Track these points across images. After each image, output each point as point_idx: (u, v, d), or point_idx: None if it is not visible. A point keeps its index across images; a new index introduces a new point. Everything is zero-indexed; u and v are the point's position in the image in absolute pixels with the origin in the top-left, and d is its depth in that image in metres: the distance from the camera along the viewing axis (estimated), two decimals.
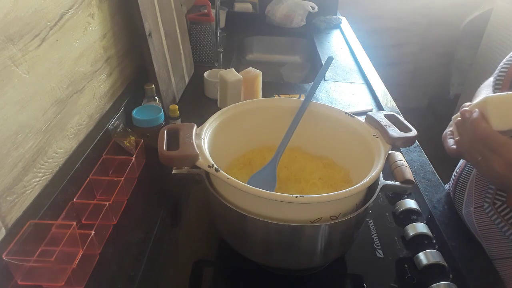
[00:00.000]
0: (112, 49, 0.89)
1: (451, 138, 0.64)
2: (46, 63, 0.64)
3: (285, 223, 0.51)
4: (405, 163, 0.60)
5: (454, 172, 0.77)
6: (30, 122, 0.61)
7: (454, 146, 0.62)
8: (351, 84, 1.30)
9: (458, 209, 0.73)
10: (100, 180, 0.73)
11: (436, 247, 0.66)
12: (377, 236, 0.70)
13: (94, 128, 0.82)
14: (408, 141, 0.60)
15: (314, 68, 1.62)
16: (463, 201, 0.71)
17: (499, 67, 0.66)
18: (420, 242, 0.67)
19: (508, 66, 0.64)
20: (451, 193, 0.77)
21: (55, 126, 0.68)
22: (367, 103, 1.18)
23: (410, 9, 2.37)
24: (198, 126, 0.61)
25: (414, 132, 0.61)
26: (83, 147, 0.76)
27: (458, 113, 0.60)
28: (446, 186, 0.81)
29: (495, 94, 0.58)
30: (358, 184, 0.52)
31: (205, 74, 1.15)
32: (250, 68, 1.05)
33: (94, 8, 0.80)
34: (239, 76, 1.00)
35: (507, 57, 0.66)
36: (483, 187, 0.66)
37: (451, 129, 0.65)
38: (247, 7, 1.82)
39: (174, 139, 0.57)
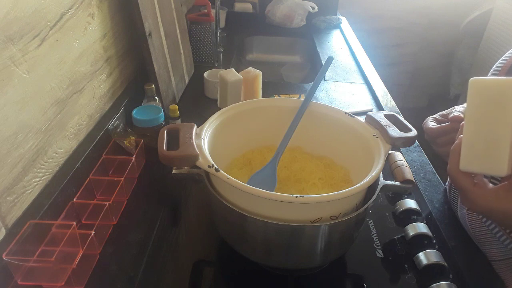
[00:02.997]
0: (112, 49, 0.89)
1: (433, 121, 0.65)
2: (46, 63, 0.64)
3: (285, 223, 0.51)
4: (405, 163, 0.60)
5: None
6: (30, 122, 0.61)
7: (434, 125, 0.63)
8: (351, 84, 1.30)
9: (454, 211, 0.73)
10: (100, 180, 0.73)
11: (436, 247, 0.66)
12: (377, 236, 0.70)
13: (94, 128, 0.82)
14: (408, 141, 0.60)
15: (314, 68, 1.62)
16: (457, 203, 0.72)
17: (499, 61, 0.66)
18: (420, 242, 0.67)
19: (510, 56, 0.64)
20: (447, 194, 0.77)
21: (55, 126, 0.68)
22: (367, 103, 1.18)
23: (410, 9, 2.37)
24: (198, 126, 0.61)
25: (414, 132, 0.61)
26: (83, 147, 0.76)
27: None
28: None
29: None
30: (358, 184, 0.52)
31: (205, 74, 1.15)
32: (250, 68, 1.05)
33: (94, 8, 0.80)
34: (239, 76, 1.00)
35: (501, 58, 0.66)
36: None
37: (436, 116, 0.66)
38: (247, 7, 1.82)
39: (174, 139, 0.57)
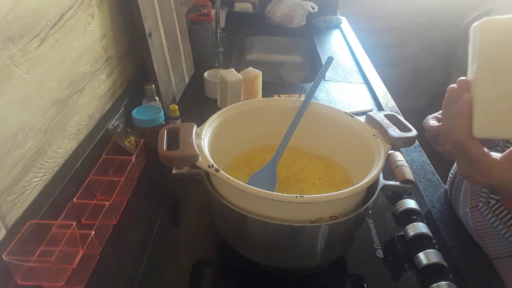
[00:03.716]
0: (112, 49, 0.89)
1: (433, 119, 0.59)
2: (46, 63, 0.64)
3: (285, 223, 0.51)
4: (405, 163, 0.60)
5: (450, 173, 0.77)
6: (30, 122, 0.61)
7: (435, 124, 0.56)
8: (351, 84, 1.30)
9: (455, 210, 0.73)
10: (100, 180, 0.73)
11: (436, 247, 0.66)
12: (377, 236, 0.70)
13: (94, 128, 0.82)
14: (408, 141, 0.60)
15: (314, 68, 1.62)
16: (459, 202, 0.72)
17: None
18: (420, 242, 0.67)
19: None
20: (448, 194, 0.77)
21: (55, 126, 0.68)
22: (367, 103, 1.18)
23: (410, 9, 2.37)
24: (198, 126, 0.61)
25: (414, 132, 0.61)
26: (83, 147, 0.76)
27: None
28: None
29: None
30: (358, 184, 0.52)
31: (205, 74, 1.15)
32: (250, 68, 1.05)
33: (94, 8, 0.80)
34: (239, 76, 1.00)
35: None
36: (478, 187, 0.66)
37: (436, 114, 0.61)
38: (247, 7, 1.82)
39: (174, 139, 0.57)
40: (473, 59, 0.41)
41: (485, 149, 0.43)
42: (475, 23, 0.39)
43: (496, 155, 0.43)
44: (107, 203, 0.65)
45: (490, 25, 0.38)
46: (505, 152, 0.42)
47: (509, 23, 0.38)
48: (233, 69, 1.03)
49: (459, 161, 0.46)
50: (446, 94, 0.47)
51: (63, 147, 0.71)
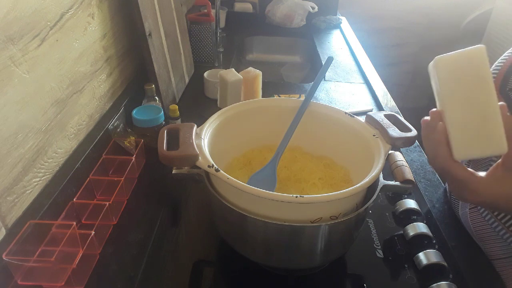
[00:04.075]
0: (112, 49, 0.89)
1: None
2: (46, 63, 0.64)
3: (285, 223, 0.51)
4: (405, 163, 0.60)
5: None
6: (30, 122, 0.61)
7: None
8: (351, 84, 1.30)
9: (455, 211, 0.73)
10: (100, 180, 0.73)
11: (436, 247, 0.66)
12: (377, 236, 0.70)
13: (94, 128, 0.82)
14: (408, 141, 0.60)
15: (314, 68, 1.62)
16: (459, 202, 0.72)
17: (497, 61, 0.66)
18: (420, 242, 0.67)
19: (507, 57, 0.64)
20: (448, 194, 0.77)
21: (55, 126, 0.68)
22: (367, 103, 1.18)
23: (410, 9, 2.37)
24: (198, 126, 0.61)
25: (414, 132, 0.61)
26: (83, 147, 0.76)
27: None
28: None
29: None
30: (358, 184, 0.52)
31: (205, 74, 1.15)
32: (250, 68, 1.05)
33: (94, 8, 0.80)
34: (239, 76, 1.00)
35: (500, 58, 0.66)
36: None
37: None
38: (247, 7, 1.82)
39: (174, 139, 0.57)
40: (436, 93, 0.46)
41: (470, 169, 0.45)
42: (431, 62, 0.45)
43: (482, 173, 0.45)
44: (107, 203, 0.65)
45: (443, 61, 0.44)
46: (489, 169, 0.44)
47: (458, 57, 0.43)
48: (233, 69, 1.03)
49: (449, 183, 0.48)
50: (422, 126, 0.51)
51: (63, 147, 0.71)
